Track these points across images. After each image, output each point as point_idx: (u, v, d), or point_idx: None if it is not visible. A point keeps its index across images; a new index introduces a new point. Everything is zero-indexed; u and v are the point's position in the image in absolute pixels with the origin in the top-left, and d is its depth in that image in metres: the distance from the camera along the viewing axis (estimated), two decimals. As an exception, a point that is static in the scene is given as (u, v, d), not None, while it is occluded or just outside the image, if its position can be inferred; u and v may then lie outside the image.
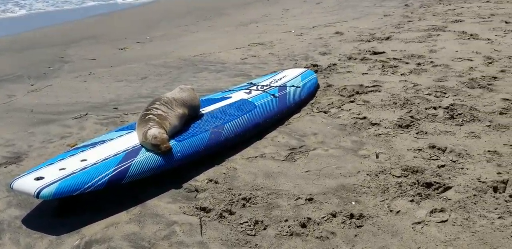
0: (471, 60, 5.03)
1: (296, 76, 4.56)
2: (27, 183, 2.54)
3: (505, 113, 3.62)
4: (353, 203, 2.61)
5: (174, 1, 13.85)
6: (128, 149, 2.92)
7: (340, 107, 4.05)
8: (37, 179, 2.57)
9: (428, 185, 2.72)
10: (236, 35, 8.06)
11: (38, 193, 2.44)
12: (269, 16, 10.09)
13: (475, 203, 2.55)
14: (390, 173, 2.87)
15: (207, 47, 7.14)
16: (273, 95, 4.01)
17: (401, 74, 4.76)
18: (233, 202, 2.69)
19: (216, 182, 2.93)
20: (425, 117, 3.65)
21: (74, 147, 3.38)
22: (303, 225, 2.44)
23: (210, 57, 6.44)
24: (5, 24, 11.65)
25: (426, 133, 3.39)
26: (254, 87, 4.27)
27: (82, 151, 2.95)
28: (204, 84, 5.10)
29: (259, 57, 6.17)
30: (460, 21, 7.04)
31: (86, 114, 4.29)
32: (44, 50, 7.96)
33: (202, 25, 9.69)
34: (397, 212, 2.50)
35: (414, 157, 3.06)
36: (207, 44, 7.42)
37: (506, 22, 6.67)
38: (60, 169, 2.67)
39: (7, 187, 2.96)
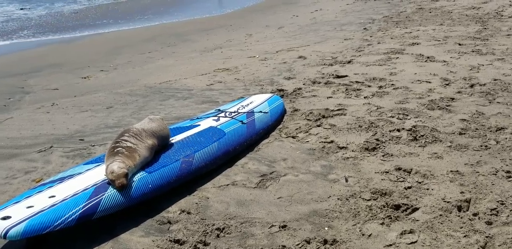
0: (429, 82, 5.26)
1: (263, 102, 4.63)
2: (-7, 223, 2.46)
3: (464, 133, 3.79)
4: (326, 228, 2.65)
5: (134, 29, 13.86)
6: (97, 183, 2.88)
7: (307, 132, 4.13)
8: (4, 218, 2.48)
9: (397, 207, 2.80)
10: (201, 61, 8.13)
11: (6, 233, 2.37)
12: (232, 41, 10.24)
13: (441, 223, 2.64)
14: (360, 197, 2.94)
15: (172, 74, 7.16)
16: (241, 121, 4.05)
17: (365, 97, 4.92)
18: (207, 232, 2.68)
19: (188, 213, 2.92)
20: (389, 139, 3.77)
21: (40, 182, 3.30)
22: (278, 254, 2.45)
23: (176, 84, 6.46)
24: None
25: (391, 155, 3.50)
26: (222, 114, 4.30)
27: (50, 187, 2.88)
28: (172, 111, 5.10)
29: (225, 83, 6.23)
30: (417, 44, 7.36)
31: (51, 147, 4.20)
32: (2, 81, 7.78)
33: (166, 52, 9.73)
34: (369, 235, 2.56)
35: (382, 179, 3.15)
36: (173, 71, 7.44)
37: (460, 44, 7.03)
38: (27, 207, 2.60)
39: (-30, 228, 2.84)
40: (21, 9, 20.96)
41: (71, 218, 2.55)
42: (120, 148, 3.08)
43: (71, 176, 3.03)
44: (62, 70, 8.51)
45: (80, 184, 2.88)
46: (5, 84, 7.47)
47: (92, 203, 2.66)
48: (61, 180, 2.98)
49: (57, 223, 2.50)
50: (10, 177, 3.60)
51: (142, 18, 16.34)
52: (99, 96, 6.08)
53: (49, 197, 2.72)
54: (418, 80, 5.36)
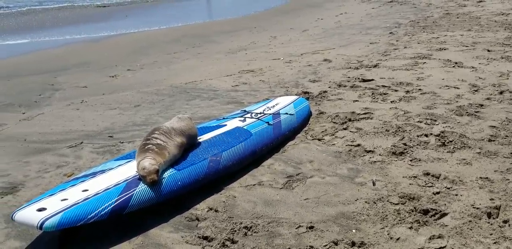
0: (458, 88, 5.20)
1: (289, 104, 4.65)
2: (29, 215, 2.54)
3: (494, 140, 3.74)
4: (354, 230, 2.66)
5: (160, 30, 14.04)
6: (128, 179, 2.94)
7: (333, 135, 4.14)
8: (39, 210, 2.57)
9: (425, 212, 2.78)
10: (226, 62, 8.19)
11: (42, 224, 2.44)
12: (257, 43, 10.29)
13: (471, 229, 2.62)
14: (387, 201, 2.94)
15: (198, 75, 7.24)
16: (267, 122, 4.08)
17: (391, 102, 4.90)
18: (235, 230, 2.71)
19: (216, 211, 2.96)
20: (417, 144, 3.75)
21: (72, 176, 3.39)
22: (306, 254, 2.47)
23: (202, 84, 6.53)
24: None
25: (419, 160, 3.49)
26: (248, 115, 4.34)
27: (83, 181, 2.95)
28: (198, 111, 5.16)
29: (250, 85, 6.27)
30: (445, 49, 7.29)
31: (81, 142, 4.30)
32: (32, 78, 7.96)
33: (192, 53, 9.82)
34: (397, 239, 2.55)
35: (410, 184, 3.14)
36: (198, 72, 7.52)
37: (488, 51, 6.93)
38: (62, 200, 2.68)
39: (6, 218, 2.94)
40: None
41: (104, 211, 2.62)
42: (151, 145, 3.14)
43: (103, 171, 3.10)
44: (90, 68, 8.67)
45: (112, 179, 2.95)
46: (35, 81, 7.65)
47: (124, 197, 2.72)
48: (94, 174, 3.06)
49: (90, 216, 2.57)
50: (42, 171, 3.70)
51: (164, 19, 16.53)
52: (126, 94, 6.19)
53: (83, 191, 2.79)
54: (446, 86, 5.31)
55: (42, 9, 21.46)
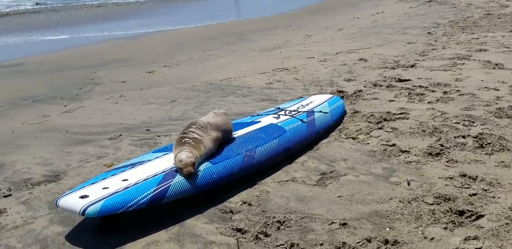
0: (498, 90, 5.08)
1: (323, 102, 4.65)
2: (72, 201, 2.66)
3: (535, 143, 3.65)
4: (387, 229, 2.65)
5: (195, 27, 14.23)
6: (166, 170, 3.03)
7: (368, 134, 4.12)
8: (82, 197, 2.68)
9: (461, 213, 2.75)
10: (260, 60, 8.25)
11: (84, 210, 2.55)
12: (291, 42, 10.30)
13: (508, 232, 2.57)
14: (422, 201, 2.92)
15: (232, 72, 7.32)
16: (301, 120, 4.10)
17: (428, 102, 4.83)
18: (268, 224, 2.76)
19: (250, 204, 3.01)
20: (454, 145, 3.70)
21: (111, 167, 3.52)
22: (339, 250, 2.49)
23: (236, 81, 6.61)
24: (23, 45, 12.08)
25: (456, 161, 3.44)
26: (282, 112, 4.37)
27: (122, 171, 3.06)
28: (232, 108, 5.23)
29: (284, 82, 6.30)
30: (485, 50, 7.12)
31: (120, 135, 4.44)
32: (73, 72, 8.25)
33: (227, 50, 9.93)
34: (431, 239, 2.54)
35: (446, 185, 3.11)
36: (232, 69, 7.60)
37: (531, 52, 6.74)
38: (103, 188, 2.79)
39: (49, 204, 3.08)
40: (37, 4, 22.39)
41: (143, 200, 2.71)
42: (187, 139, 3.22)
43: (141, 163, 3.20)
44: (128, 64, 8.90)
45: (150, 170, 3.05)
46: (76, 75, 7.92)
47: (162, 188, 2.81)
48: (133, 165, 3.16)
49: (130, 204, 2.67)
50: (84, 161, 3.85)
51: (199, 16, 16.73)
52: (163, 90, 6.34)
53: (123, 180, 2.90)
54: (486, 87, 5.20)
55: (79, 6, 22.18)
